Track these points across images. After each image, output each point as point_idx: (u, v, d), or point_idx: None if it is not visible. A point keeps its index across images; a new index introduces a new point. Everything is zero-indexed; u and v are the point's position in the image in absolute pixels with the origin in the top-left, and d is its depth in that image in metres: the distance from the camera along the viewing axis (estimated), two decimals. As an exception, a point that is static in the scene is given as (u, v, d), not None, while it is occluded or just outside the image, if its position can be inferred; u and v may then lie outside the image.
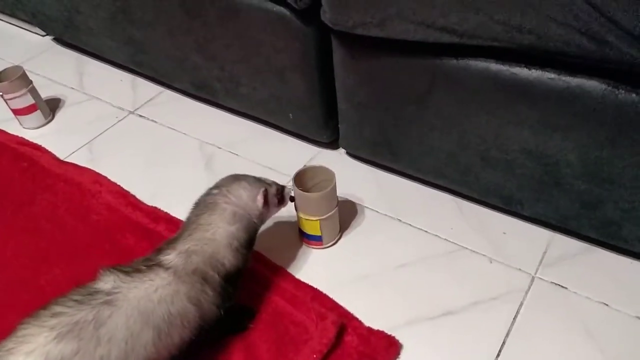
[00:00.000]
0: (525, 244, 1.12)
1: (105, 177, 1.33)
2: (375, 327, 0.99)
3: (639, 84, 0.83)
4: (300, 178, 1.10)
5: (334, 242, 1.16)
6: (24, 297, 1.08)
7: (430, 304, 1.04)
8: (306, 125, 1.33)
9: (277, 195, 1.03)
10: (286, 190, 1.06)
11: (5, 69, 1.48)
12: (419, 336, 0.99)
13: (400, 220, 1.20)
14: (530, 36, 0.84)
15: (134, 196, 1.28)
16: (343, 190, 1.22)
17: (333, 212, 1.10)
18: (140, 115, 1.54)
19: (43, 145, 1.44)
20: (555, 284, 1.05)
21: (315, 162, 1.29)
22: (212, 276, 0.91)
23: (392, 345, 0.97)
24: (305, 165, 1.14)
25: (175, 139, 1.45)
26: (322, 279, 1.08)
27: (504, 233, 1.15)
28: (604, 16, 0.77)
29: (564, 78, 0.89)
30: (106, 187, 1.30)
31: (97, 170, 1.35)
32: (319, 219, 1.09)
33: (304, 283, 1.07)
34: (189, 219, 0.97)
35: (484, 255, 1.11)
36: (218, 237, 0.93)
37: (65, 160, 1.41)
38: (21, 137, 1.48)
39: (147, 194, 1.28)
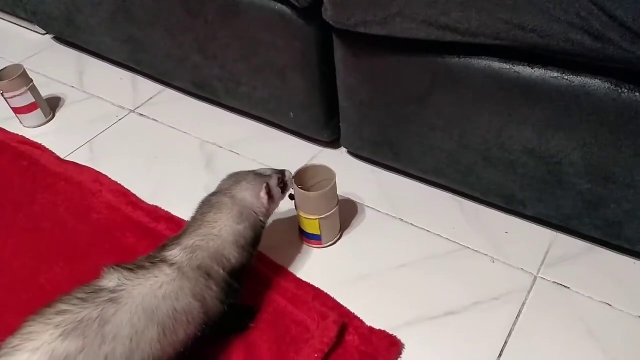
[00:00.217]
0: (528, 244, 1.12)
1: (105, 176, 1.33)
2: (376, 326, 0.99)
3: (642, 82, 0.83)
4: (301, 177, 1.10)
5: (333, 241, 1.15)
6: (24, 296, 1.08)
7: (432, 303, 1.03)
8: (307, 124, 1.32)
9: (279, 185, 1.03)
10: (287, 175, 1.06)
11: (5, 68, 1.48)
12: (421, 336, 0.98)
13: (401, 220, 1.19)
14: (532, 34, 0.83)
15: (134, 195, 1.27)
16: (344, 190, 1.22)
17: (333, 211, 1.10)
18: (141, 114, 1.54)
19: (43, 144, 1.44)
20: (558, 283, 1.05)
21: (317, 162, 1.28)
22: (217, 271, 0.91)
23: (393, 345, 0.96)
24: (306, 164, 1.13)
25: (175, 138, 1.45)
26: (324, 279, 1.08)
27: (506, 233, 1.14)
28: (606, 14, 0.77)
29: (567, 77, 0.88)
30: (107, 186, 1.30)
31: (98, 169, 1.35)
32: (318, 218, 1.08)
33: (305, 282, 1.07)
34: (194, 217, 0.97)
35: (486, 255, 1.11)
36: (224, 234, 0.94)
37: (66, 159, 1.40)
38: (21, 136, 1.48)
39: (148, 193, 1.28)
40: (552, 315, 1.00)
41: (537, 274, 1.07)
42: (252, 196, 0.99)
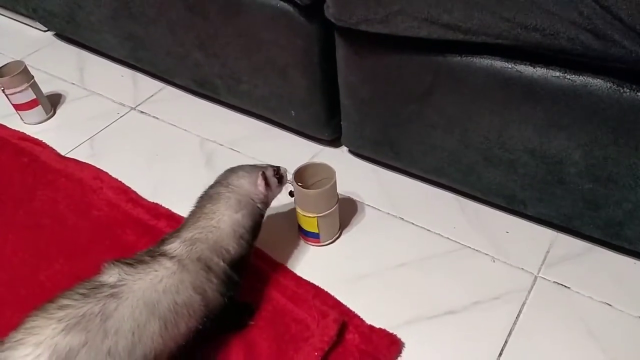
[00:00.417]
0: (528, 244, 1.12)
1: (106, 173, 1.33)
2: (376, 325, 0.99)
3: (644, 82, 0.83)
4: (301, 174, 1.10)
5: (332, 240, 1.15)
6: (24, 292, 1.08)
7: (432, 302, 1.03)
8: (308, 122, 1.32)
9: (275, 176, 1.04)
10: (282, 169, 1.06)
11: (6, 64, 1.48)
12: (421, 335, 0.98)
13: (402, 219, 1.19)
14: (535, 33, 0.83)
15: (134, 192, 1.27)
16: (345, 188, 1.22)
17: (332, 210, 1.09)
18: (142, 112, 1.54)
19: (44, 141, 1.44)
20: (558, 283, 1.05)
21: (317, 160, 1.28)
22: (217, 263, 0.92)
23: (393, 344, 0.96)
24: (307, 162, 1.13)
25: (176, 136, 1.45)
26: (324, 277, 1.07)
27: (507, 232, 1.14)
28: (609, 13, 0.76)
29: (569, 76, 0.88)
30: (107, 183, 1.30)
31: (98, 166, 1.35)
32: (317, 216, 1.08)
33: (305, 280, 1.07)
34: (192, 211, 0.98)
35: (486, 254, 1.11)
36: (223, 225, 0.94)
37: (66, 155, 1.40)
38: (22, 133, 1.48)
39: (148, 190, 1.28)
40: (552, 315, 1.00)
41: (538, 273, 1.07)
42: (249, 183, 0.99)
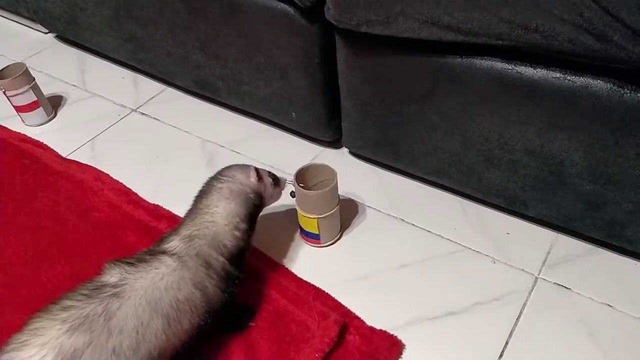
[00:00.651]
0: (529, 245, 1.12)
1: (107, 175, 1.33)
2: (377, 326, 0.99)
3: (644, 83, 0.83)
4: (303, 175, 1.10)
5: (332, 241, 1.15)
6: (25, 293, 1.08)
7: (432, 304, 1.03)
8: (309, 124, 1.32)
9: (270, 176, 1.05)
10: (281, 179, 1.07)
11: (7, 66, 1.48)
12: (422, 336, 0.98)
13: (402, 220, 1.19)
14: (535, 35, 0.83)
15: (135, 194, 1.28)
16: (345, 190, 1.22)
17: (332, 211, 1.09)
18: (143, 113, 1.54)
19: (45, 143, 1.44)
20: (559, 284, 1.05)
21: (318, 161, 1.28)
22: (216, 258, 0.92)
23: (394, 345, 0.96)
24: (309, 163, 1.13)
25: (177, 137, 1.45)
26: (324, 278, 1.07)
27: (508, 233, 1.14)
28: (609, 14, 0.76)
29: (569, 77, 0.88)
30: (108, 185, 1.30)
31: (99, 168, 1.35)
32: (317, 217, 1.08)
33: (305, 282, 1.07)
34: (189, 209, 0.99)
35: (487, 255, 1.11)
36: (217, 218, 0.95)
37: (67, 157, 1.40)
38: (23, 134, 1.48)
39: (149, 191, 1.28)
40: (553, 316, 1.00)
41: (538, 274, 1.07)
42: (240, 174, 1.00)
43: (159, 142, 1.44)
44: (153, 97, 1.59)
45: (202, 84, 1.46)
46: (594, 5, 0.77)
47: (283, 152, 1.36)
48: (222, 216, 0.95)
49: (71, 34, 1.72)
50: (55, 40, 1.86)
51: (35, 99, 1.49)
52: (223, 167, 1.04)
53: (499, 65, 0.93)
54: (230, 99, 1.44)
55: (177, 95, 1.58)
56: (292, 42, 1.16)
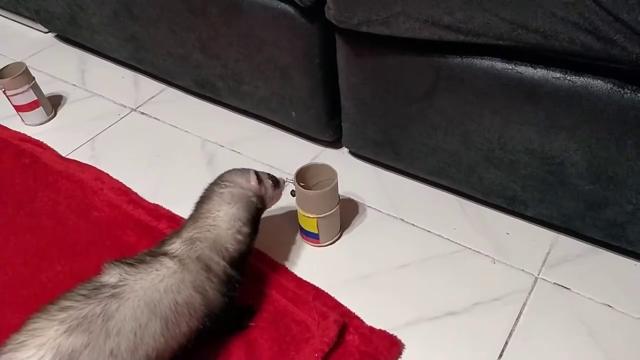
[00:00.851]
0: (529, 245, 1.12)
1: (107, 174, 1.33)
2: (377, 326, 0.99)
3: (645, 83, 0.83)
4: (303, 175, 1.10)
5: (332, 241, 1.15)
6: (25, 293, 1.08)
7: (432, 304, 1.03)
8: (309, 124, 1.32)
9: (270, 178, 1.04)
10: (280, 179, 1.07)
11: (7, 66, 1.48)
12: (421, 336, 0.98)
13: (402, 220, 1.19)
14: (535, 35, 0.83)
15: (135, 193, 1.28)
16: (345, 189, 1.22)
17: (332, 211, 1.09)
18: (143, 113, 1.54)
19: (45, 142, 1.44)
20: (559, 285, 1.05)
21: (318, 161, 1.28)
22: (217, 262, 0.92)
23: (394, 345, 0.96)
24: (309, 163, 1.13)
25: (177, 137, 1.45)
26: (324, 278, 1.07)
27: (507, 233, 1.14)
28: (610, 14, 0.76)
29: (569, 77, 0.88)
30: (108, 184, 1.30)
31: (99, 167, 1.35)
32: (317, 217, 1.08)
33: (305, 282, 1.07)
34: (191, 214, 0.99)
35: (486, 255, 1.11)
36: (219, 222, 0.95)
37: (67, 157, 1.40)
38: (23, 134, 1.48)
39: (149, 191, 1.28)
40: (553, 316, 1.00)
41: (538, 274, 1.07)
42: (241, 179, 1.00)
43: (159, 142, 1.44)
44: (153, 97, 1.59)
45: (202, 83, 1.46)
46: (594, 5, 0.77)
47: (283, 152, 1.36)
48: (225, 220, 0.95)
49: (71, 34, 1.72)
50: (56, 40, 1.86)
51: (35, 98, 1.49)
52: (223, 170, 1.04)
53: (500, 65, 0.93)
54: (231, 98, 1.44)
55: (177, 95, 1.58)
56: (292, 42, 1.16)
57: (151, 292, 0.84)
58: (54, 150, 1.42)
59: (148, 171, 1.35)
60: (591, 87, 0.87)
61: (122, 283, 0.84)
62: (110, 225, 1.20)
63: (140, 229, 1.18)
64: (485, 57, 0.94)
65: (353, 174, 1.29)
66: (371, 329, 0.99)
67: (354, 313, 1.01)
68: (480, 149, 1.06)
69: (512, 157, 1.03)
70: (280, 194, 1.08)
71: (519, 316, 1.00)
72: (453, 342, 0.98)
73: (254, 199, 1.00)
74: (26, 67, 1.46)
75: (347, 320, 0.99)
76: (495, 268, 1.09)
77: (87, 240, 1.18)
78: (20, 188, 1.31)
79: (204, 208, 0.97)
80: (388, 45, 1.03)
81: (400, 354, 0.96)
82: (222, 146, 1.40)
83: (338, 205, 1.11)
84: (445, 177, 1.18)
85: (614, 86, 0.85)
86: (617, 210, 0.98)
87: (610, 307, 1.01)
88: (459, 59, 0.96)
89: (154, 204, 1.25)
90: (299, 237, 1.17)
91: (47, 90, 1.55)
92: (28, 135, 1.47)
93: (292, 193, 1.09)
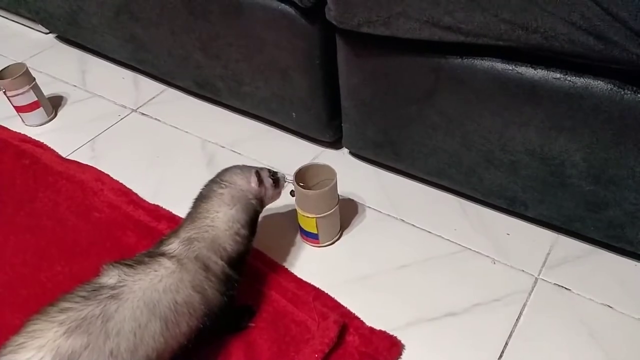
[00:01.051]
0: (529, 246, 1.12)
1: (107, 175, 1.33)
2: (377, 327, 0.99)
3: (645, 84, 0.83)
4: (303, 175, 1.10)
5: (331, 241, 1.15)
6: (25, 293, 1.08)
7: (432, 304, 1.03)
8: (309, 124, 1.32)
9: (270, 177, 1.04)
10: (279, 174, 1.06)
11: (8, 66, 1.48)
12: (421, 337, 0.98)
13: (403, 221, 1.19)
14: (536, 35, 0.83)
15: (135, 194, 1.28)
16: (345, 190, 1.22)
17: (331, 211, 1.09)
18: (143, 114, 1.54)
19: (45, 143, 1.44)
20: (559, 285, 1.05)
21: (318, 161, 1.28)
22: (215, 262, 0.92)
23: (394, 346, 0.96)
24: (309, 163, 1.13)
25: (177, 138, 1.45)
26: (324, 279, 1.07)
27: (508, 234, 1.14)
28: (610, 15, 0.76)
29: (569, 78, 0.88)
30: (108, 185, 1.30)
31: (99, 168, 1.35)
32: (316, 217, 1.08)
33: (305, 282, 1.07)
34: (189, 212, 0.98)
35: (487, 256, 1.11)
36: (218, 222, 0.94)
37: (68, 157, 1.40)
38: (23, 135, 1.48)
39: (149, 192, 1.28)
40: (553, 317, 1.00)
41: (538, 275, 1.07)
42: (242, 179, 0.99)
43: (159, 143, 1.44)
44: (153, 98, 1.59)
45: (202, 84, 1.46)
46: (594, 6, 0.77)
47: (283, 153, 1.36)
48: (223, 221, 0.95)
49: (72, 34, 1.72)
50: (56, 41, 1.86)
51: (36, 99, 1.49)
52: (223, 168, 1.04)
53: (500, 65, 0.93)
54: (231, 99, 1.44)
55: (178, 96, 1.58)
56: (292, 42, 1.16)
57: (150, 293, 0.84)
58: (54, 151, 1.42)
59: (148, 172, 1.35)
60: (591, 87, 0.87)
61: (121, 284, 0.84)
62: (110, 226, 1.20)
63: (140, 230, 1.18)
64: (486, 58, 0.94)
65: (353, 175, 1.29)
66: (371, 329, 0.98)
67: (354, 314, 1.01)
68: (481, 150, 1.06)
69: (512, 158, 1.03)
70: (280, 193, 1.07)
71: (519, 317, 1.00)
72: (453, 343, 0.97)
73: (253, 201, 1.00)
74: (27, 68, 1.47)
75: (347, 321, 0.99)
76: (496, 269, 1.08)
77: (87, 240, 1.18)
78: (20, 188, 1.31)
79: (202, 207, 0.96)
80: (388, 46, 1.03)
81: (400, 354, 0.96)
82: (222, 147, 1.40)
83: (337, 206, 1.11)
84: (446, 177, 1.18)
85: (614, 87, 0.85)
86: (618, 211, 0.98)
87: (611, 307, 1.00)
88: (459, 59, 0.96)
89: (154, 204, 1.25)
90: (298, 237, 1.17)
91: (47, 91, 1.56)
92: (28, 136, 1.47)
93: (292, 193, 1.09)
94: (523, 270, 1.08)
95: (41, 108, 1.51)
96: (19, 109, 1.50)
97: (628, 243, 1.02)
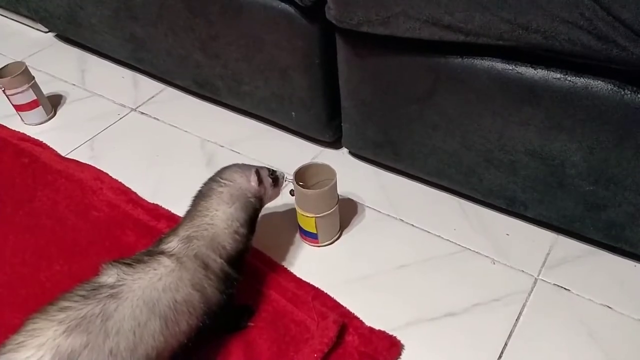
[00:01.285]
0: (528, 246, 1.12)
1: (106, 174, 1.33)
2: (376, 327, 0.99)
3: (645, 84, 0.83)
4: (303, 174, 1.10)
5: (330, 241, 1.15)
6: (24, 292, 1.08)
7: (432, 304, 1.03)
8: (309, 124, 1.32)
9: (270, 176, 1.04)
10: (279, 173, 1.06)
11: (7, 65, 1.48)
12: (421, 337, 0.98)
13: (402, 221, 1.19)
14: (536, 35, 0.83)
15: (135, 193, 1.27)
16: (345, 190, 1.22)
17: (330, 211, 1.09)
18: (142, 113, 1.54)
19: (44, 142, 1.44)
20: (558, 286, 1.05)
21: (318, 161, 1.28)
22: (214, 260, 0.92)
23: (393, 346, 0.96)
24: (310, 162, 1.13)
25: (176, 137, 1.45)
26: (324, 278, 1.07)
27: (507, 234, 1.14)
28: (610, 15, 0.76)
29: (569, 78, 0.88)
30: (107, 184, 1.29)
31: (99, 167, 1.35)
32: (315, 217, 1.08)
33: (305, 282, 1.07)
34: (188, 210, 0.98)
35: (486, 256, 1.11)
36: (217, 221, 0.94)
37: (67, 156, 1.40)
38: (23, 133, 1.48)
39: (148, 191, 1.28)
40: (553, 317, 1.00)
41: (538, 275, 1.07)
42: (241, 178, 0.99)
43: (159, 142, 1.43)
44: (153, 97, 1.59)
45: (202, 83, 1.46)
46: (594, 6, 0.77)
47: (283, 153, 1.36)
48: (222, 219, 0.95)
49: (71, 33, 1.72)
50: (55, 40, 1.86)
51: (35, 97, 1.48)
52: (223, 166, 1.04)
53: (500, 65, 0.93)
54: (230, 98, 1.44)
55: (177, 95, 1.58)
56: (292, 42, 1.16)
57: (150, 291, 0.84)
58: (54, 150, 1.41)
59: (147, 171, 1.35)
60: (591, 87, 0.87)
61: (120, 283, 0.84)
62: (109, 225, 1.20)
63: (139, 229, 1.18)
64: (486, 58, 0.94)
65: (353, 175, 1.28)
66: (371, 329, 0.98)
67: (354, 313, 1.01)
68: (480, 150, 1.06)
69: (512, 158, 1.03)
70: (279, 192, 1.07)
71: (518, 317, 1.00)
72: (452, 343, 0.97)
73: (252, 200, 0.99)
74: (26, 67, 1.46)
75: (346, 321, 0.99)
76: (495, 269, 1.08)
77: (86, 239, 1.18)
78: (19, 187, 1.31)
79: (201, 205, 0.96)
80: (388, 46, 1.03)
81: (400, 354, 0.96)
82: (222, 146, 1.40)
83: (337, 205, 1.11)
84: (445, 177, 1.18)
85: (614, 87, 0.85)
86: (617, 211, 0.98)
87: (610, 308, 1.00)
88: (459, 59, 0.96)
89: (153, 203, 1.24)
90: (298, 237, 1.17)
91: (46, 90, 1.55)
92: (27, 134, 1.47)
93: (292, 192, 1.09)
94: (522, 271, 1.08)
95: (40, 107, 1.51)
96: (18, 108, 1.49)
97: (627, 243, 1.02)
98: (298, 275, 1.09)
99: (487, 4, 0.84)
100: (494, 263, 1.09)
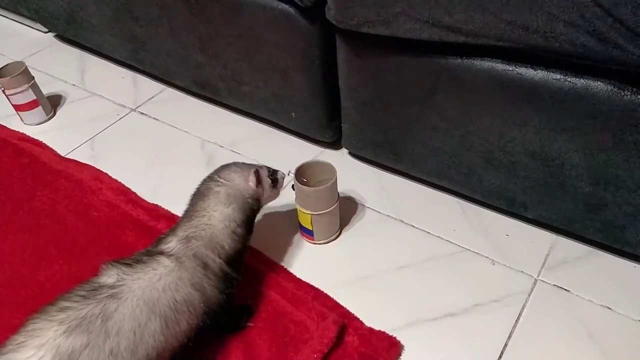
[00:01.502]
0: (528, 247, 1.12)
1: (106, 174, 1.33)
2: (376, 327, 0.99)
3: (645, 85, 0.83)
4: (305, 171, 1.10)
5: (327, 240, 1.15)
6: (24, 292, 1.07)
7: (432, 305, 1.03)
8: (309, 124, 1.32)
9: (270, 176, 1.03)
10: (279, 174, 1.06)
11: (7, 65, 1.48)
12: (421, 338, 0.98)
13: (402, 221, 1.19)
14: (536, 36, 0.83)
15: (134, 193, 1.27)
16: (345, 190, 1.22)
17: (328, 210, 1.09)
18: (142, 113, 1.53)
19: (44, 142, 1.44)
20: (558, 286, 1.05)
21: (323, 160, 1.28)
22: (213, 259, 0.92)
23: (393, 346, 0.96)
24: (314, 159, 1.12)
25: (176, 137, 1.45)
26: (323, 279, 1.07)
27: (507, 235, 1.14)
28: (610, 16, 0.76)
29: (569, 79, 0.88)
30: (107, 184, 1.29)
31: (98, 167, 1.35)
32: (311, 214, 1.08)
33: (304, 282, 1.07)
34: (186, 210, 0.98)
35: (486, 257, 1.11)
36: (214, 221, 0.94)
37: (66, 156, 1.40)
38: (22, 133, 1.48)
39: (148, 191, 1.28)
40: (552, 318, 1.00)
41: (538, 276, 1.07)
42: (239, 178, 0.99)
43: (159, 142, 1.43)
44: (153, 97, 1.59)
45: (202, 84, 1.46)
46: (595, 7, 0.77)
47: (283, 153, 1.36)
48: (220, 219, 0.95)
49: (71, 34, 1.72)
50: (55, 40, 1.86)
51: (35, 97, 1.48)
52: (222, 164, 1.03)
53: (500, 66, 0.93)
54: (230, 99, 1.44)
55: (177, 95, 1.58)
56: (292, 42, 1.16)
57: (149, 291, 0.84)
58: (53, 150, 1.41)
59: (147, 171, 1.35)
60: (591, 88, 0.87)
61: (120, 283, 0.83)
62: (109, 225, 1.20)
63: (139, 229, 1.18)
64: (486, 59, 0.94)
65: (353, 175, 1.28)
66: (370, 329, 0.98)
67: (353, 314, 1.01)
68: (480, 151, 1.06)
69: (511, 159, 1.03)
70: (278, 193, 1.07)
71: (518, 318, 1.00)
72: (452, 344, 0.97)
73: (250, 200, 0.99)
74: (25, 67, 1.46)
75: (346, 321, 0.99)
76: (495, 269, 1.08)
77: (85, 240, 1.17)
78: (19, 187, 1.31)
79: (199, 205, 0.96)
80: (388, 46, 1.03)
81: (400, 355, 0.96)
82: (222, 146, 1.40)
83: (336, 205, 1.10)
84: (445, 178, 1.18)
85: (614, 88, 0.85)
86: (617, 212, 0.98)
87: (610, 309, 1.00)
88: (460, 60, 0.96)
89: (153, 204, 1.24)
90: (298, 237, 1.17)
91: (46, 90, 1.55)
92: (27, 134, 1.47)
93: (293, 187, 1.09)
94: (522, 271, 1.08)
95: (40, 107, 1.50)
96: (18, 108, 1.49)
97: (627, 244, 1.02)
98: (298, 275, 1.09)
99: (488, 4, 0.84)
100: (494, 264, 1.09)
